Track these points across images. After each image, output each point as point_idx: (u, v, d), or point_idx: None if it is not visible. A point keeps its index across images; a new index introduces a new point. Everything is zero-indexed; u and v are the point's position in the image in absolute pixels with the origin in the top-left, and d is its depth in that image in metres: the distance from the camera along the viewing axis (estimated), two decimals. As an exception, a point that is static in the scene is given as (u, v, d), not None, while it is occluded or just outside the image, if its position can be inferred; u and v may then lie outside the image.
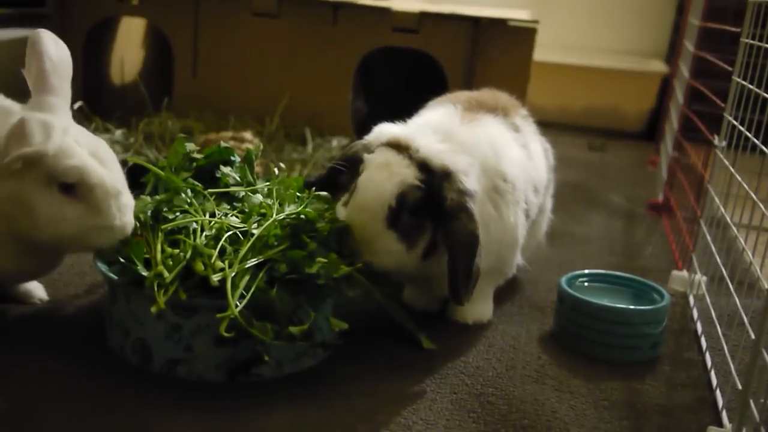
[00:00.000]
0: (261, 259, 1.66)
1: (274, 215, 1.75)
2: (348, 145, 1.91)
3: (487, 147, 1.90)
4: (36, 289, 1.97)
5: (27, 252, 1.72)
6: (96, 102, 3.33)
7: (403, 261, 1.76)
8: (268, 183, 1.93)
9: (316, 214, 1.77)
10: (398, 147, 1.75)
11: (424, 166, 1.73)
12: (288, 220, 1.75)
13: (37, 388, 1.60)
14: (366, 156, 1.77)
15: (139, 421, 1.51)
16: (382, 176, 1.72)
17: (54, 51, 1.72)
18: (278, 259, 1.66)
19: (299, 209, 1.78)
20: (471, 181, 1.75)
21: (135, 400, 1.59)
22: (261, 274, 1.63)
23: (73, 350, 1.75)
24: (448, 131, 1.88)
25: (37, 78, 1.69)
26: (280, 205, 1.82)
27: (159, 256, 1.64)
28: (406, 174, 1.72)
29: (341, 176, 1.87)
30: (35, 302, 1.96)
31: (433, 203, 1.73)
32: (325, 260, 1.66)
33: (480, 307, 2.04)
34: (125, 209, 1.68)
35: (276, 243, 1.69)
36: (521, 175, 1.97)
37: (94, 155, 1.66)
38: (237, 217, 1.78)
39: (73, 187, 1.62)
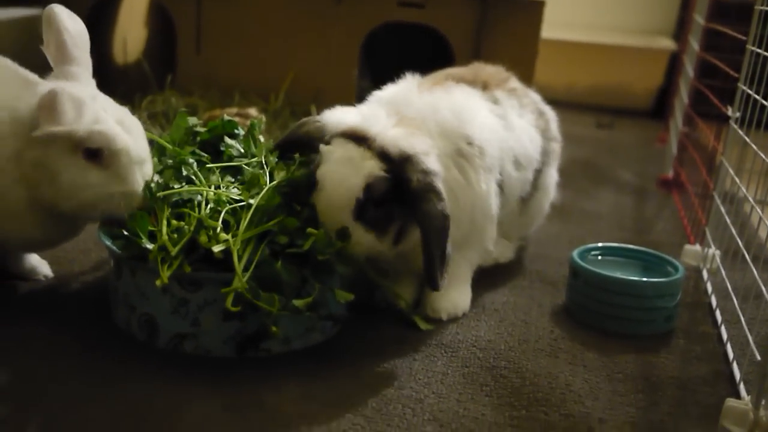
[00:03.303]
0: (260, 230, 1.63)
1: (268, 184, 1.72)
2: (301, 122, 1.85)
3: (447, 111, 1.84)
4: (41, 265, 1.96)
5: (48, 219, 1.71)
6: (99, 80, 3.28)
7: (375, 249, 1.72)
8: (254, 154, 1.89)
9: (305, 180, 1.73)
10: (356, 138, 1.70)
11: (384, 155, 1.68)
12: (280, 188, 1.72)
13: (43, 364, 1.58)
14: (324, 148, 1.71)
15: (147, 396, 1.49)
16: (347, 171, 1.67)
17: (70, 23, 1.72)
18: (277, 231, 1.64)
19: (288, 176, 1.75)
20: (432, 161, 1.70)
21: (142, 375, 1.56)
22: (262, 246, 1.60)
23: (79, 326, 1.73)
24: (403, 102, 1.84)
25: (58, 50, 1.70)
26: (271, 174, 1.78)
27: (165, 229, 1.61)
28: (371, 166, 1.67)
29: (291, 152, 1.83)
30: (40, 279, 1.94)
31: (398, 189, 1.68)
32: (316, 232, 1.62)
33: (455, 298, 1.92)
34: (147, 178, 1.69)
35: (273, 212, 1.66)
36: (493, 141, 1.90)
37: (120, 123, 1.67)
38: (238, 188, 1.74)
39: (98, 153, 1.62)
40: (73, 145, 1.61)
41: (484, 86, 2.04)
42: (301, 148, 1.81)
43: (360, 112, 1.79)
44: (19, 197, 1.66)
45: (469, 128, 1.85)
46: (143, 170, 1.69)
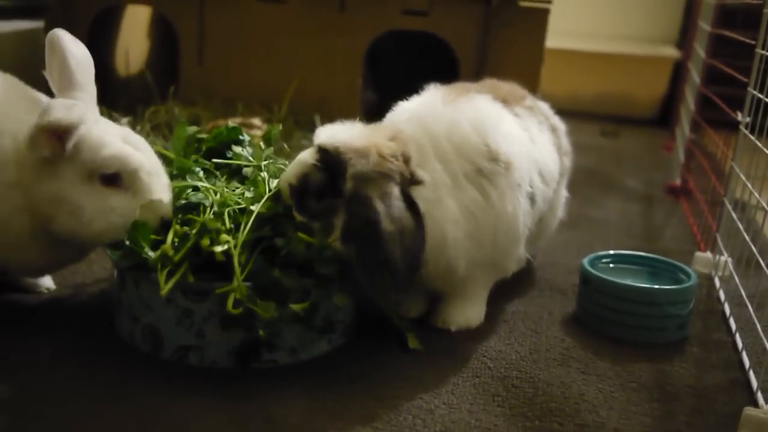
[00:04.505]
0: (260, 234, 1.61)
1: (267, 190, 1.70)
2: None
3: (468, 126, 1.75)
4: (43, 278, 1.93)
5: (52, 246, 1.68)
6: (101, 92, 3.27)
7: (319, 241, 1.64)
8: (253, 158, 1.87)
9: None
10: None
11: (322, 150, 1.65)
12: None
13: (45, 377, 1.55)
14: None
15: (151, 409, 1.46)
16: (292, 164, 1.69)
17: (75, 49, 1.69)
18: (271, 235, 1.63)
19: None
20: (367, 163, 1.62)
21: (147, 387, 1.53)
22: (257, 250, 1.59)
23: (82, 338, 1.70)
24: (428, 115, 1.77)
25: (61, 76, 1.67)
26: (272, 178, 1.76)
27: (170, 237, 1.58)
28: (306, 157, 1.66)
29: None
30: (42, 291, 1.91)
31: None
32: (305, 239, 1.60)
33: (469, 311, 1.87)
34: (167, 188, 1.68)
35: (272, 218, 1.65)
36: (521, 153, 1.82)
37: (126, 142, 1.66)
38: (241, 194, 1.73)
39: (115, 177, 1.61)
40: (87, 173, 1.60)
41: (504, 102, 1.97)
42: None
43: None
44: (22, 226, 1.63)
45: (493, 142, 1.76)
46: (161, 182, 1.67)
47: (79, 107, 1.58)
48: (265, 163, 1.83)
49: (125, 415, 1.44)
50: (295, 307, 1.57)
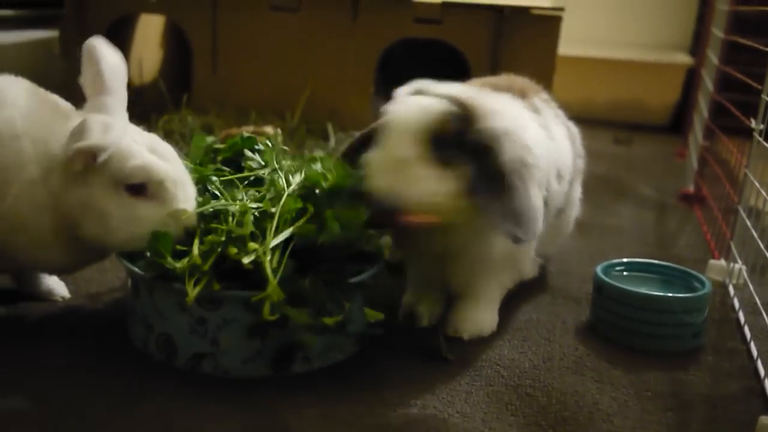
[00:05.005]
0: (286, 236, 1.59)
1: (286, 190, 1.70)
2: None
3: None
4: (58, 287, 1.95)
5: (79, 248, 1.70)
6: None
7: (438, 193, 1.62)
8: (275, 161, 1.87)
9: (320, 176, 1.71)
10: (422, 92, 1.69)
11: (455, 102, 1.65)
12: (298, 191, 1.70)
13: (59, 387, 1.55)
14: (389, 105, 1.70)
15: (166, 418, 1.46)
16: (415, 109, 1.64)
17: (110, 56, 1.72)
18: (299, 234, 1.61)
19: (303, 177, 1.73)
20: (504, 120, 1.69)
21: (160, 396, 1.53)
22: (287, 254, 1.57)
23: (95, 347, 1.71)
24: None
25: (94, 81, 1.69)
26: (287, 179, 1.76)
27: (197, 247, 1.58)
28: (434, 104, 1.65)
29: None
30: (57, 300, 1.92)
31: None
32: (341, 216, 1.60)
33: (481, 319, 1.87)
34: (192, 199, 1.68)
35: (296, 216, 1.64)
36: (543, 156, 1.82)
37: (153, 151, 1.67)
38: (259, 199, 1.73)
39: (141, 187, 1.62)
40: (114, 183, 1.61)
41: (522, 95, 1.99)
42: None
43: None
44: (43, 224, 1.65)
45: (528, 141, 1.77)
46: (187, 192, 1.68)
47: (115, 129, 1.60)
48: (285, 163, 1.83)
49: (140, 423, 1.44)
50: (329, 320, 1.57)
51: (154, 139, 1.71)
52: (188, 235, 1.64)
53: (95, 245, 1.68)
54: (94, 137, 1.56)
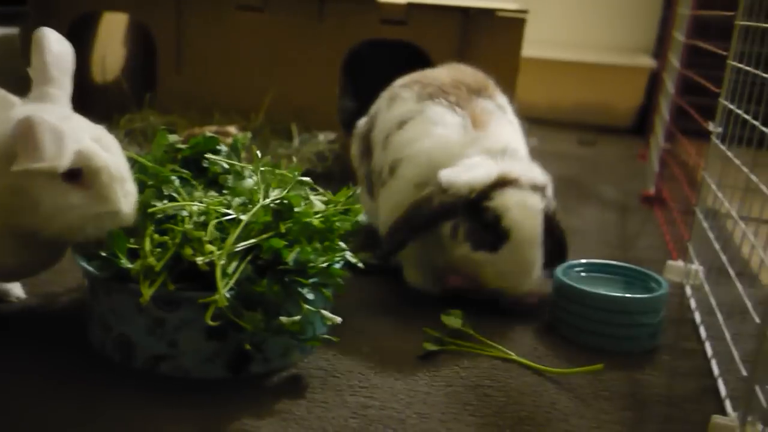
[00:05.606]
0: (248, 245, 1.59)
1: (261, 201, 1.69)
2: (423, 197, 1.98)
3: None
4: (14, 287, 1.91)
5: (26, 246, 1.65)
6: (77, 99, 3.25)
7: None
8: (251, 167, 1.87)
9: (300, 199, 1.70)
10: (514, 182, 1.93)
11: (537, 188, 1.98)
12: (273, 205, 1.69)
13: (15, 390, 1.53)
14: (510, 197, 1.92)
15: (124, 421, 1.45)
16: (535, 212, 1.95)
17: (56, 45, 1.69)
18: (262, 245, 1.60)
19: (282, 194, 1.72)
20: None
21: (119, 399, 1.52)
22: (246, 261, 1.57)
23: (53, 349, 1.69)
24: (471, 145, 2.02)
25: (39, 70, 1.67)
26: (266, 190, 1.75)
27: (148, 246, 1.57)
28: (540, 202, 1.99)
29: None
30: (12, 301, 1.89)
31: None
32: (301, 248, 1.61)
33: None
34: (130, 196, 1.64)
35: (263, 229, 1.63)
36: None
37: (97, 142, 1.62)
38: (224, 203, 1.71)
39: (78, 174, 1.57)
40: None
41: (489, 94, 2.09)
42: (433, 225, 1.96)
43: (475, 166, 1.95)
44: None
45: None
46: (125, 188, 1.63)
47: (66, 134, 1.51)
48: (262, 169, 1.82)
49: (97, 427, 1.43)
50: (285, 320, 1.56)
51: (99, 130, 1.66)
52: (131, 233, 1.61)
53: (32, 236, 1.60)
54: (48, 156, 1.47)
